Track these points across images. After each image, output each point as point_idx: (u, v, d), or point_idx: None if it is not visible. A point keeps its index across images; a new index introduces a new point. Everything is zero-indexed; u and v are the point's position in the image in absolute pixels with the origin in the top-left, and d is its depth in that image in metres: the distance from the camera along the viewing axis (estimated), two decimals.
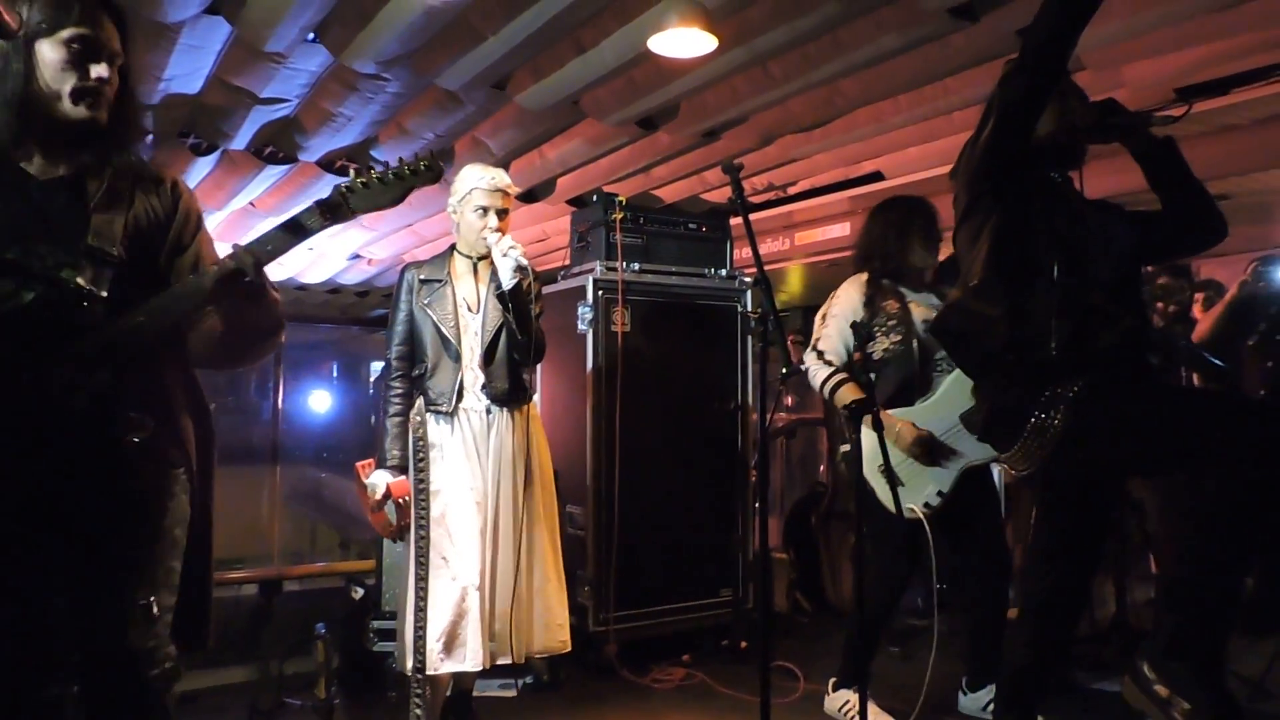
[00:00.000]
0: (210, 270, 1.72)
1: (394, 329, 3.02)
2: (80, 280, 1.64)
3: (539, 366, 4.23)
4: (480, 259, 3.03)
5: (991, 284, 2.13)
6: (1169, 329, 4.00)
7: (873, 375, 3.05)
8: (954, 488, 2.95)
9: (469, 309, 2.98)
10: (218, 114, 4.13)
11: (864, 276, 3.15)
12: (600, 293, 3.86)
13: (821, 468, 5.65)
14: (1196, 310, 4.45)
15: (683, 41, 2.89)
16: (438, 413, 2.92)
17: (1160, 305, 4.12)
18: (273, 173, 4.98)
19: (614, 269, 3.89)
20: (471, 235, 2.97)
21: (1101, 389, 2.04)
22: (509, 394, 2.96)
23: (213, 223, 6.27)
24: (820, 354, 3.10)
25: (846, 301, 3.12)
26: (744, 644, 4.00)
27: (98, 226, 1.69)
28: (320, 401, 8.42)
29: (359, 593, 3.65)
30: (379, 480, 2.93)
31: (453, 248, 3.08)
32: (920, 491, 2.94)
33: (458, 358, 2.93)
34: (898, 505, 2.66)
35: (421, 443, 2.84)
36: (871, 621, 3.09)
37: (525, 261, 2.83)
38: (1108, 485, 2.26)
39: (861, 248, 3.23)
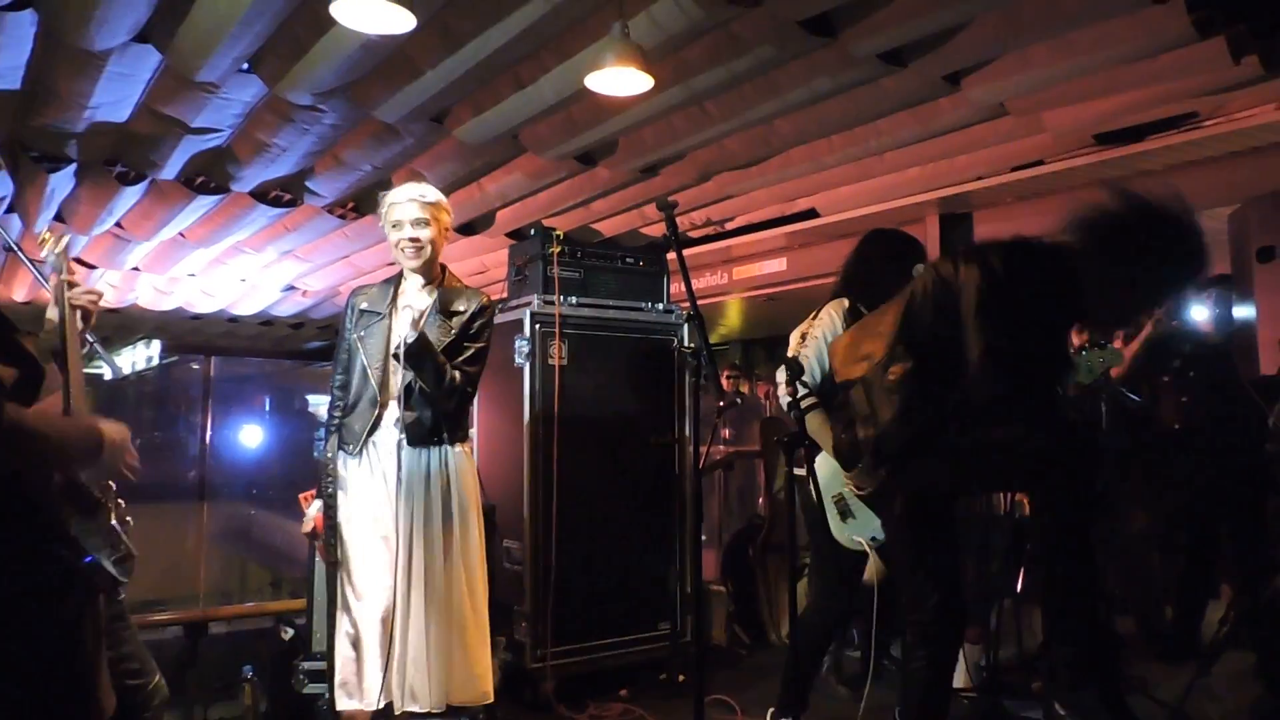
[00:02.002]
0: None
1: (337, 357, 2.94)
2: None
3: (476, 401, 4.20)
4: (424, 284, 2.92)
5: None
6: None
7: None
8: None
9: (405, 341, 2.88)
10: (147, 143, 4.05)
11: (844, 303, 3.14)
12: (537, 326, 3.86)
13: (760, 500, 5.68)
14: (1117, 344, 4.61)
15: (620, 80, 2.93)
16: (346, 452, 2.84)
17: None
18: (204, 203, 4.89)
19: (551, 302, 3.89)
20: (396, 252, 2.89)
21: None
22: (429, 433, 2.83)
23: (140, 253, 6.12)
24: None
25: (828, 323, 3.10)
26: (682, 677, 3.99)
27: None
28: (252, 436, 8.19)
29: (289, 633, 3.55)
30: (310, 511, 2.88)
31: (401, 275, 2.97)
32: (868, 525, 2.97)
33: (374, 402, 2.81)
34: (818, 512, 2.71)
35: (331, 479, 2.78)
36: (807, 651, 3.10)
37: (416, 314, 2.70)
38: (939, 500, 2.47)
39: (846, 274, 3.23)
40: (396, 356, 2.73)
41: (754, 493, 6.14)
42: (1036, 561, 2.40)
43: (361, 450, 2.81)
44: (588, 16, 2.98)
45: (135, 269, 6.66)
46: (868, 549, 2.93)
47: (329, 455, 2.77)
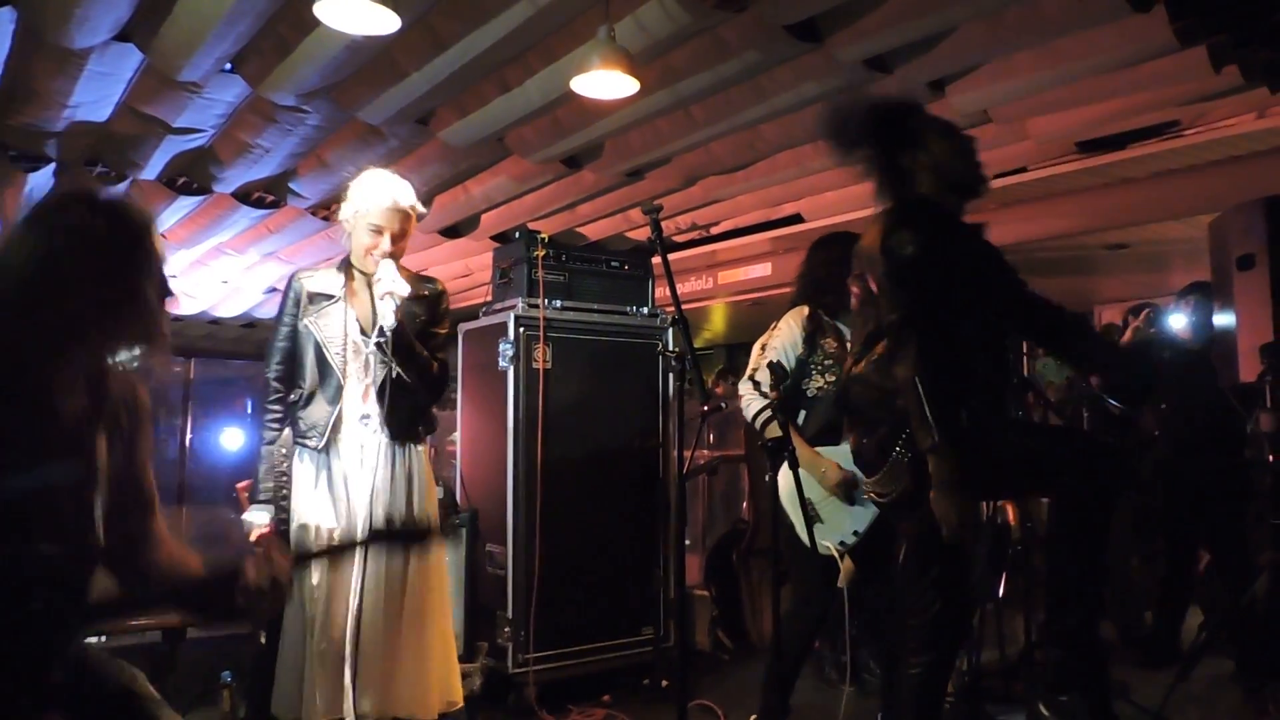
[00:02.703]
0: None
1: (274, 344, 2.73)
2: None
3: (459, 403, 4.19)
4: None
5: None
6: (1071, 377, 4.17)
7: (803, 411, 3.09)
8: (871, 528, 3.00)
9: (362, 331, 2.72)
10: (127, 143, 4.01)
11: (804, 310, 3.13)
12: (522, 329, 3.84)
13: (744, 504, 5.67)
14: None
15: (605, 83, 2.93)
16: (305, 447, 2.66)
17: None
18: (186, 204, 4.86)
19: (536, 306, 3.87)
20: (361, 252, 2.73)
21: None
22: (409, 426, 2.71)
23: None
24: (757, 384, 3.04)
25: (787, 333, 3.11)
26: (665, 683, 3.97)
27: None
28: (232, 439, 8.10)
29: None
30: (252, 519, 2.69)
31: (348, 260, 2.83)
32: (838, 529, 2.98)
33: (338, 390, 2.65)
34: (812, 540, 2.70)
35: (285, 478, 2.63)
36: (788, 656, 3.10)
37: (399, 301, 2.59)
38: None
39: (803, 281, 3.22)
40: (380, 346, 2.61)
41: (738, 497, 6.13)
42: (1045, 561, 2.37)
43: (326, 446, 2.63)
44: (574, 19, 2.97)
45: None
46: (835, 553, 2.94)
47: (282, 453, 2.62)
